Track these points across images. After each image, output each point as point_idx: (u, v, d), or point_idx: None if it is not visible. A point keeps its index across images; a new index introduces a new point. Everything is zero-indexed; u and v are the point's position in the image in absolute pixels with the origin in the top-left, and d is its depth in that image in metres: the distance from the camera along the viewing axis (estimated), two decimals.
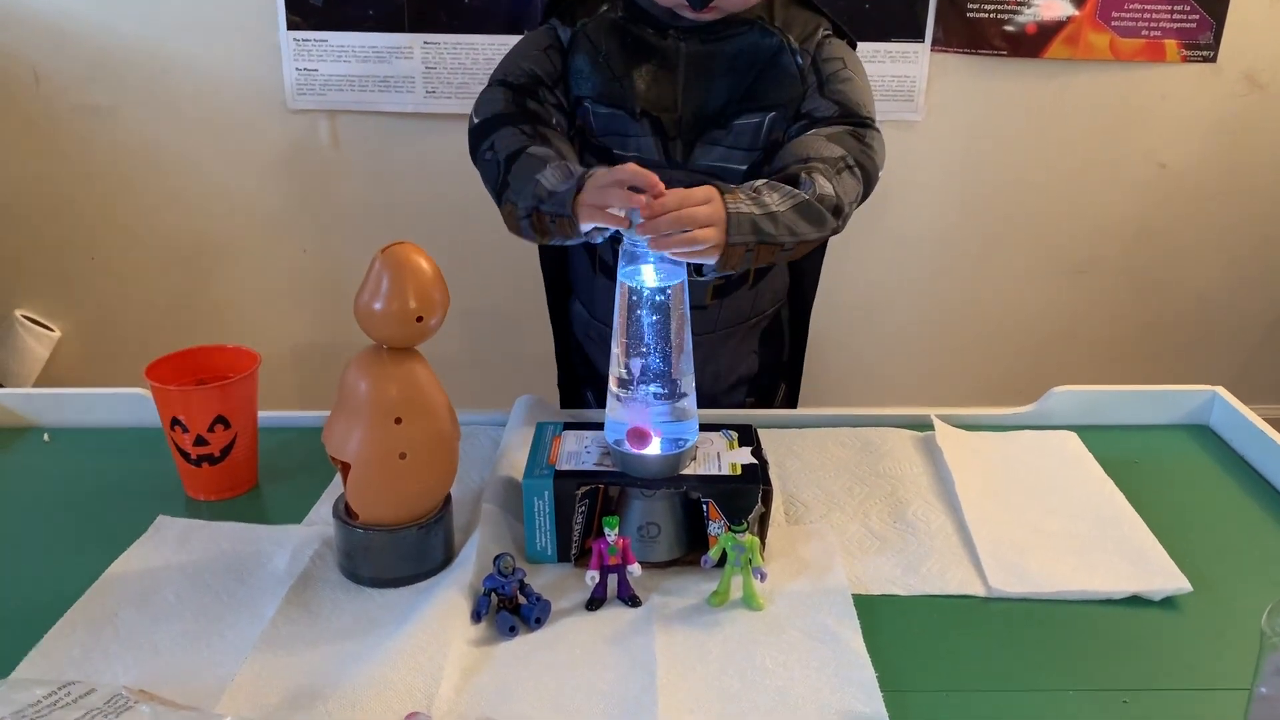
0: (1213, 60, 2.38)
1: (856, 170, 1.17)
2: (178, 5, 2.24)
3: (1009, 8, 2.31)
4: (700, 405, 1.38)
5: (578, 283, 1.43)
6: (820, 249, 1.44)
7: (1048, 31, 2.33)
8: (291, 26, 2.25)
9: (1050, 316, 2.66)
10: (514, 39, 2.19)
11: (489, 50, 2.27)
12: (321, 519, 1.09)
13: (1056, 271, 2.61)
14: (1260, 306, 2.68)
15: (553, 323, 1.50)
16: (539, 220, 1.10)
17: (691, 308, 1.28)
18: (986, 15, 2.31)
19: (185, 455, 1.11)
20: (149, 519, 1.07)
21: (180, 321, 2.52)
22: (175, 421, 1.09)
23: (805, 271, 1.46)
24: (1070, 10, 2.32)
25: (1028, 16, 2.32)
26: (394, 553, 0.97)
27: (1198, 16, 2.33)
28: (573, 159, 1.16)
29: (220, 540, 1.05)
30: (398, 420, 0.94)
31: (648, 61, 1.22)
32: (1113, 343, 2.69)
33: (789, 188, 1.09)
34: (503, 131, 1.17)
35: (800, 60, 1.23)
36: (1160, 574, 1.00)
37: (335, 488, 1.14)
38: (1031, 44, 2.34)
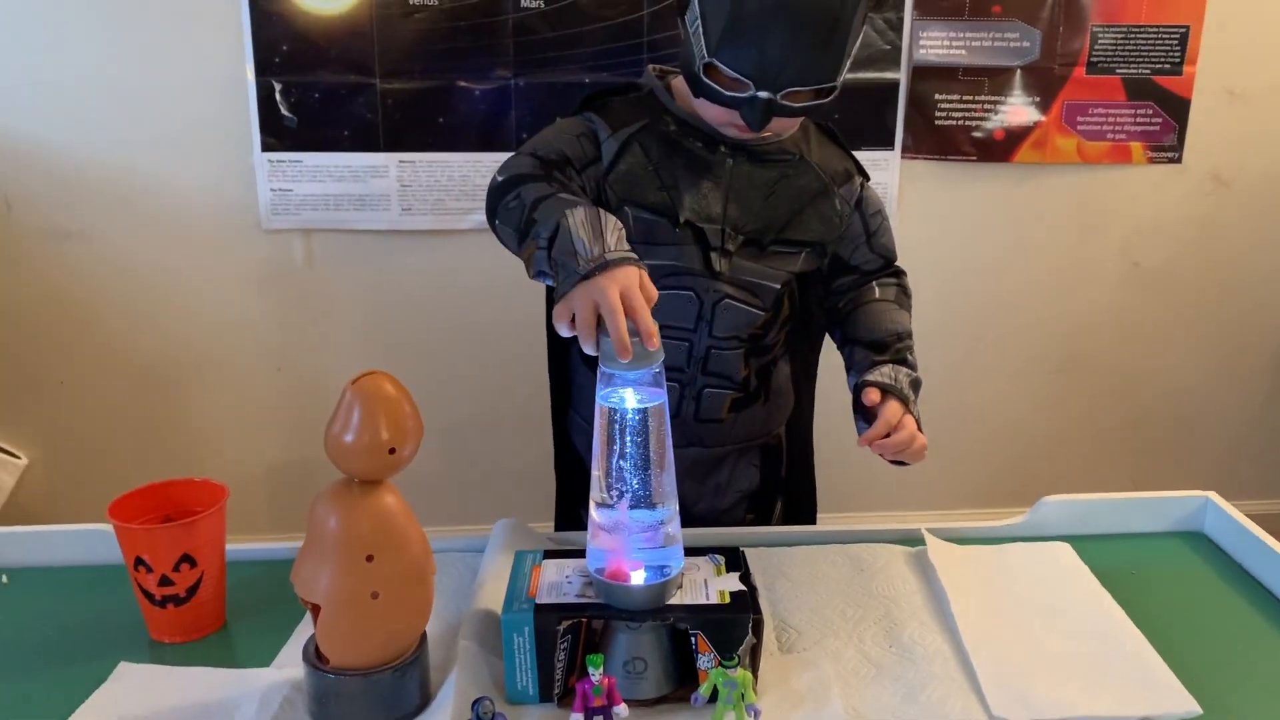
0: (1178, 161, 2.43)
1: None
2: (150, 128, 2.24)
3: (976, 115, 2.35)
4: (699, 520, 1.36)
5: (578, 394, 1.41)
6: (815, 366, 1.45)
7: (1015, 137, 2.37)
8: (266, 148, 2.25)
9: (1032, 418, 2.64)
10: (487, 156, 2.29)
11: (464, 168, 2.28)
12: (292, 660, 1.03)
13: (1037, 373, 2.60)
14: (1241, 401, 2.68)
15: (554, 435, 1.48)
16: (551, 252, 1.03)
17: (707, 420, 1.31)
18: (954, 122, 2.36)
19: (149, 596, 1.06)
20: (110, 665, 1.02)
21: (154, 445, 2.47)
22: (139, 561, 1.05)
23: (803, 391, 1.46)
24: (1036, 116, 2.36)
25: (995, 123, 2.36)
26: (367, 698, 0.92)
27: (1160, 120, 2.38)
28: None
29: (184, 688, 0.99)
30: (369, 558, 0.90)
31: (695, 174, 1.24)
32: (1097, 442, 2.68)
33: (906, 369, 1.24)
34: (531, 185, 1.14)
35: (839, 205, 1.29)
36: (1169, 696, 0.97)
37: (307, 625, 1.09)
38: (1000, 149, 2.38)
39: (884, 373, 1.21)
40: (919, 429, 1.17)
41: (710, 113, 1.22)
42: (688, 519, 1.36)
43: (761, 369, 1.34)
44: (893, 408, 1.16)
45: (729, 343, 1.28)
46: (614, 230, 1.02)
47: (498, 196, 1.17)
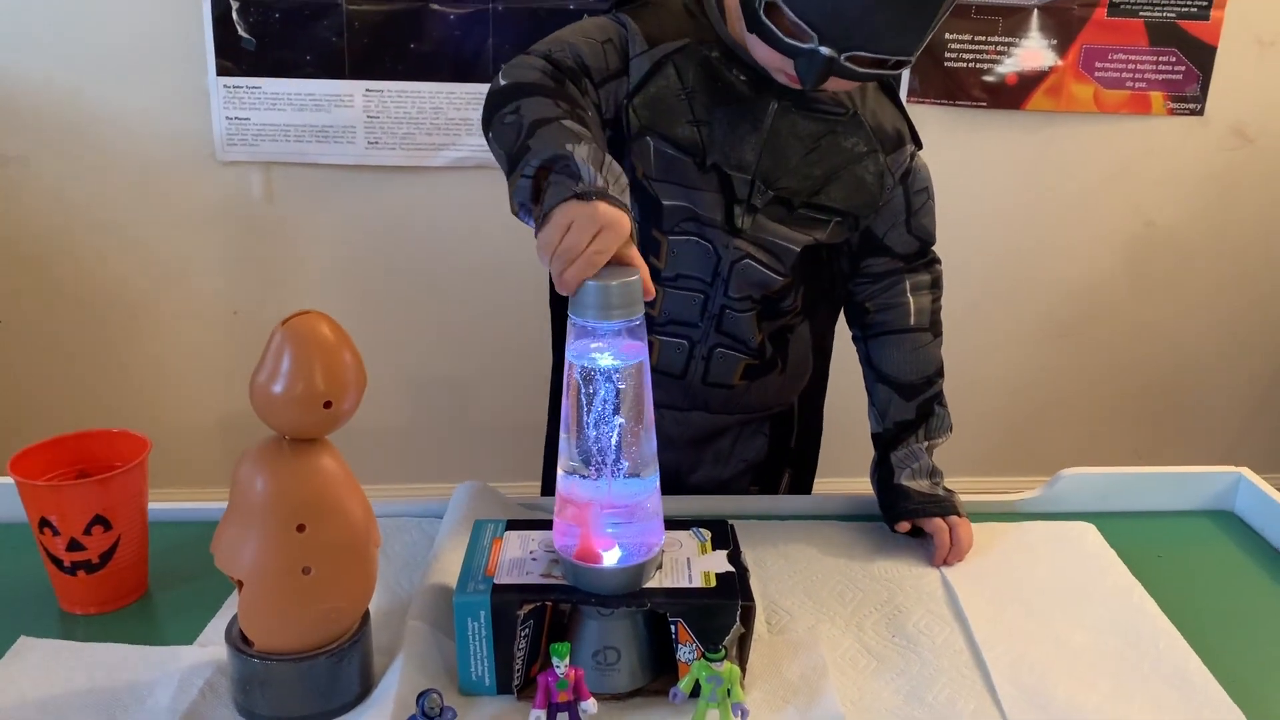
0: (1200, 113, 2.35)
1: None
2: (96, 48, 2.15)
3: (988, 57, 2.26)
4: (695, 491, 1.27)
5: None
6: (832, 333, 1.35)
7: (1029, 82, 2.29)
8: (222, 72, 2.16)
9: (1035, 381, 2.60)
10: (460, 87, 2.18)
11: (436, 99, 2.20)
12: (218, 638, 0.93)
13: (1041, 335, 2.55)
14: (1256, 372, 2.63)
15: (552, 385, 1.37)
16: (539, 182, 0.91)
17: (716, 385, 1.21)
18: (965, 65, 2.27)
19: (57, 562, 0.96)
20: (11, 639, 0.92)
21: (100, 390, 2.40)
22: (44, 523, 0.94)
23: (819, 359, 1.35)
24: (1052, 60, 2.28)
25: (1008, 67, 2.28)
26: (298, 687, 0.83)
27: (1184, 68, 2.30)
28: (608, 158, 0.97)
29: (93, 667, 0.89)
30: (300, 527, 0.80)
31: (733, 111, 1.10)
32: (1102, 409, 2.64)
33: (939, 438, 1.19)
34: (535, 100, 0.99)
35: (886, 180, 1.16)
36: (1208, 704, 0.88)
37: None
38: (1012, 95, 2.30)
39: (917, 485, 1.15)
40: (956, 509, 1.13)
41: (761, 53, 1.06)
42: (683, 489, 1.27)
43: (777, 334, 1.22)
44: (939, 529, 1.10)
45: (743, 303, 1.17)
46: (616, 178, 0.89)
47: (496, 105, 1.02)
